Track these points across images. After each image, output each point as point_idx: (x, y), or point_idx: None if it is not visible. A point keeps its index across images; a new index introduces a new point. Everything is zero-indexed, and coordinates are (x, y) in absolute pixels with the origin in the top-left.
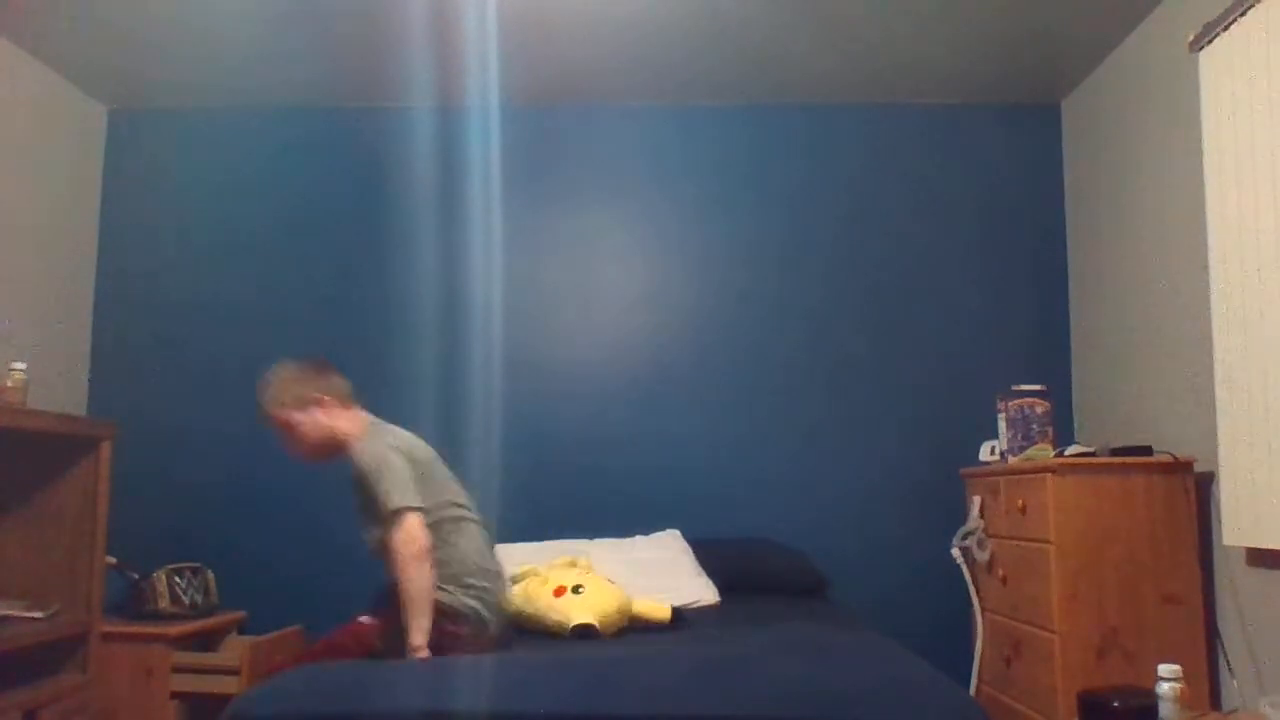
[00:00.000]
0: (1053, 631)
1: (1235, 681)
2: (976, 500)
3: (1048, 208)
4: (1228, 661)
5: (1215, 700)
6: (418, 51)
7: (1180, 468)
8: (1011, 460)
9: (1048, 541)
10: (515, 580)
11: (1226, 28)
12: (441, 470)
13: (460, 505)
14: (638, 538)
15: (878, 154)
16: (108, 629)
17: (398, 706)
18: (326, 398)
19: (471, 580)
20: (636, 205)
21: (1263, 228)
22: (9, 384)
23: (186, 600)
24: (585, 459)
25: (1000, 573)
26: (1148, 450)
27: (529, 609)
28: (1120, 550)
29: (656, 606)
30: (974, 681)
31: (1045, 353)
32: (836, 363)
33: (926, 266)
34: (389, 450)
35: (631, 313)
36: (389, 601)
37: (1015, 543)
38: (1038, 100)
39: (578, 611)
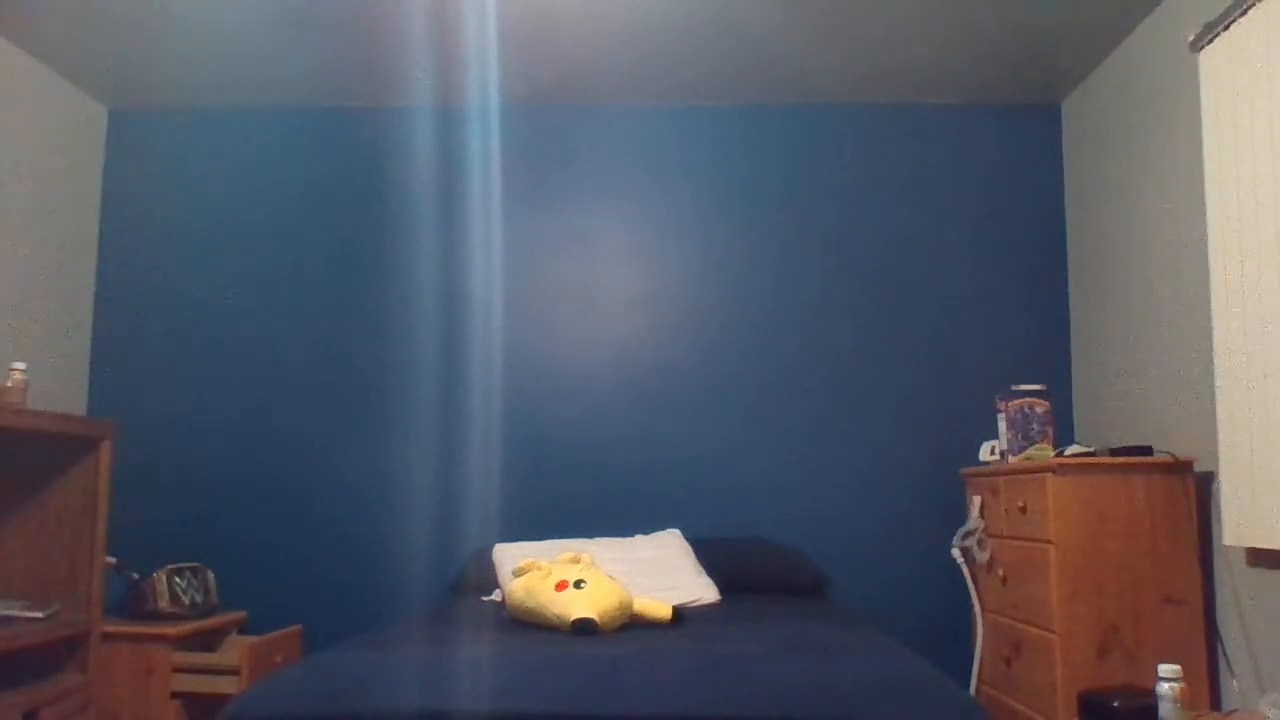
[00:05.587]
0: (1053, 631)
1: (1235, 681)
2: (976, 500)
3: (1048, 208)
4: (1228, 661)
5: (1215, 700)
6: (418, 51)
7: (1180, 468)
8: (1011, 460)
9: (1048, 541)
10: (517, 574)
11: (1226, 28)
12: None
13: None
14: (638, 537)
15: (877, 154)
16: (108, 629)
17: (397, 705)
18: None
19: None
20: (636, 205)
21: (1263, 227)
22: (9, 384)
23: (186, 600)
24: (585, 458)
25: (1000, 573)
26: (1148, 450)
27: (530, 602)
28: (1120, 550)
29: (657, 605)
30: (974, 681)
31: (1045, 353)
32: (837, 362)
33: (926, 266)
34: None
35: (631, 312)
36: None
37: (1015, 543)
38: (1038, 100)
39: (578, 606)
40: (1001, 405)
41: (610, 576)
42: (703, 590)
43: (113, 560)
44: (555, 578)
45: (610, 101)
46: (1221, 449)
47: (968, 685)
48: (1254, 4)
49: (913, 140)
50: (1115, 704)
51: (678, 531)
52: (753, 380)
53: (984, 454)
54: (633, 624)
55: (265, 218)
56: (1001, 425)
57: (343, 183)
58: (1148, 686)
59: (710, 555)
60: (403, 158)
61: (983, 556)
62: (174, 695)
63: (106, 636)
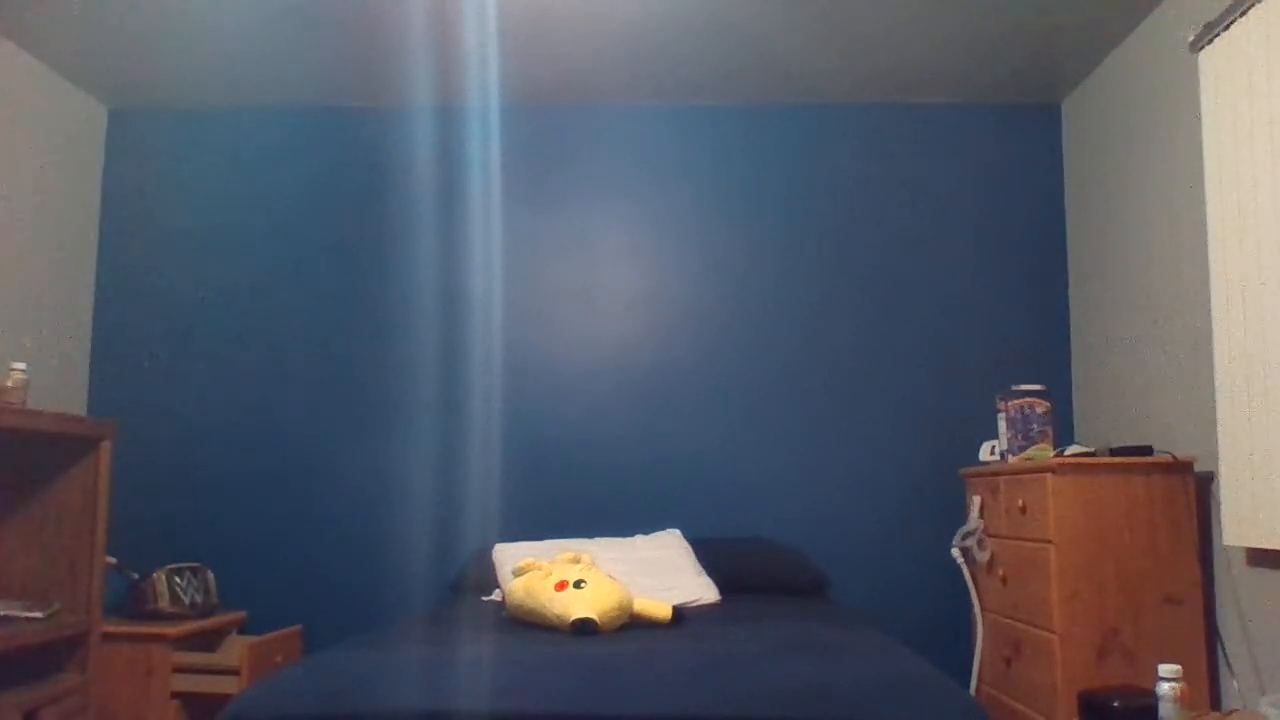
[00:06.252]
0: (1053, 631)
1: (1235, 681)
2: (976, 500)
3: (1048, 208)
4: (1228, 661)
5: (1215, 700)
6: (418, 51)
7: (1180, 468)
8: (1011, 460)
9: (1048, 541)
10: (517, 574)
11: (1226, 28)
12: None
13: None
14: (638, 537)
15: (877, 154)
16: (108, 629)
17: (398, 706)
18: None
19: None
20: (636, 205)
21: (1263, 227)
22: (9, 384)
23: (186, 600)
24: (585, 458)
25: (1000, 573)
26: (1148, 450)
27: (530, 602)
28: (1120, 550)
29: (657, 605)
30: (974, 681)
31: (1045, 352)
32: (837, 362)
33: (926, 266)
34: None
35: (631, 312)
36: None
37: (1015, 543)
38: (1038, 100)
39: (578, 606)
40: (1001, 405)
41: (610, 576)
42: (703, 590)
43: (113, 560)
44: (555, 578)
45: (610, 101)
46: (1221, 449)
47: (968, 685)
48: (1254, 4)
49: (913, 140)
50: (1115, 704)
51: (678, 531)
52: (753, 380)
53: (984, 454)
54: (633, 624)
55: (265, 218)
56: (1001, 425)
57: (343, 183)
58: (1148, 686)
59: (710, 555)
60: (403, 158)
61: (983, 556)
62: (174, 695)
63: (106, 636)
